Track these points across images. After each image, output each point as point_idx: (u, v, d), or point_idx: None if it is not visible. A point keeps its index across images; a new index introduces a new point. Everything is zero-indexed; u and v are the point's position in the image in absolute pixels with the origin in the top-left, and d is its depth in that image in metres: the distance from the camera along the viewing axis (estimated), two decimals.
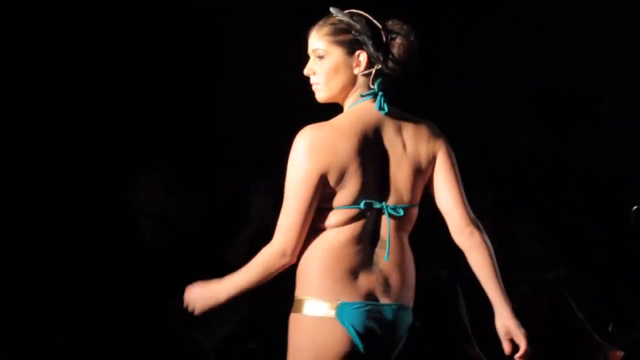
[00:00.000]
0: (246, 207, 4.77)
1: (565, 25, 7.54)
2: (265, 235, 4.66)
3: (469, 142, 8.23)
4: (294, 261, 2.13)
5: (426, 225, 5.83)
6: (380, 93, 2.09)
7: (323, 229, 2.09)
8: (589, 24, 8.41)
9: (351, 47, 2.10)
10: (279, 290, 4.63)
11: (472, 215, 2.17)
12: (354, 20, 2.09)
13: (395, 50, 2.09)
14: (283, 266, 2.14)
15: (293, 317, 2.15)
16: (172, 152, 5.17)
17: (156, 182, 4.45)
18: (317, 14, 2.23)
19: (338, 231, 2.09)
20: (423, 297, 4.87)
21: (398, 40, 2.10)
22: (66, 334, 4.01)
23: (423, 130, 2.15)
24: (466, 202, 2.16)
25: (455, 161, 2.18)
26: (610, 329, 5.35)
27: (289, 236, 2.08)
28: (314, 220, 2.08)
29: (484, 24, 7.06)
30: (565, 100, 9.55)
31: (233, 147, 5.38)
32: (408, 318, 2.17)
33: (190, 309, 2.30)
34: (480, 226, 2.16)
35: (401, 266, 2.12)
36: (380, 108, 2.08)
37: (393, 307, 2.11)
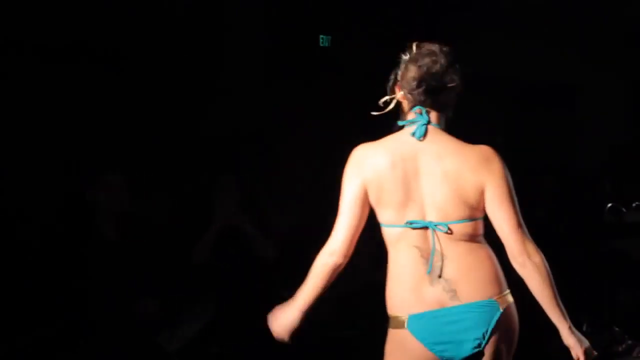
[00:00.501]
0: (211, 206, 4.71)
1: (540, 21, 7.54)
2: (231, 234, 4.67)
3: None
4: (343, 261, 2.38)
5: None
6: (417, 120, 2.34)
7: (390, 247, 2.39)
8: (564, 20, 8.42)
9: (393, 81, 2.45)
10: (245, 294, 4.63)
11: (526, 242, 2.36)
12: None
13: (408, 77, 2.36)
14: (335, 265, 2.39)
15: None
16: (135, 150, 5.09)
17: (120, 181, 4.40)
18: None
19: (398, 249, 2.35)
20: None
21: (409, 66, 2.37)
22: (34, 335, 4.03)
23: (470, 157, 2.35)
24: (519, 230, 2.35)
25: (509, 187, 2.35)
26: (584, 328, 5.35)
27: (336, 237, 2.36)
28: (383, 238, 2.37)
29: (455, 19, 7.04)
30: (540, 96, 9.59)
31: (197, 145, 5.31)
32: (484, 313, 2.32)
33: (278, 339, 2.60)
34: (533, 252, 2.35)
35: (466, 270, 2.31)
36: (413, 134, 2.32)
37: (460, 308, 2.31)
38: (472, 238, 2.37)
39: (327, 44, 6.22)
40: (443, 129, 2.41)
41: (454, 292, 2.32)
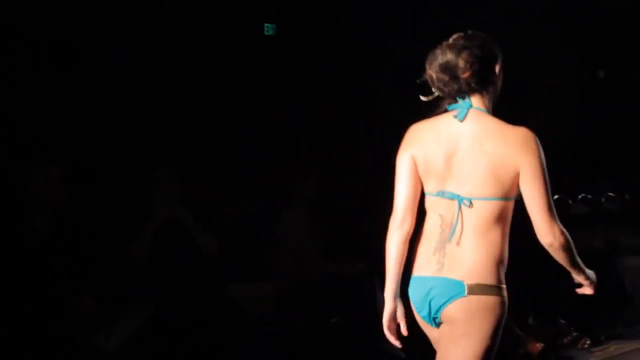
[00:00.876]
0: (150, 199, 4.59)
1: (483, 13, 7.54)
2: (172, 229, 4.56)
3: (391, 136, 8.18)
4: (405, 229, 2.57)
5: (345, 218, 5.75)
6: (458, 105, 2.58)
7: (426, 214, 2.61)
8: (508, 12, 8.45)
9: None
10: (186, 291, 4.53)
11: (554, 224, 2.55)
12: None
13: (434, 69, 2.59)
14: (406, 235, 2.57)
15: None
16: (73, 143, 4.94)
17: (55, 174, 4.29)
18: None
19: (429, 216, 2.57)
20: (340, 292, 4.83)
21: (430, 60, 2.61)
22: None
23: (509, 138, 2.53)
24: (549, 212, 2.53)
25: (543, 170, 2.51)
26: (530, 320, 5.37)
27: (397, 208, 2.57)
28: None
29: (401, 14, 6.98)
30: None
31: (136, 137, 5.18)
32: (446, 291, 2.49)
33: (391, 339, 2.63)
34: (559, 234, 2.55)
35: (470, 249, 2.49)
36: (456, 117, 2.57)
37: (432, 280, 2.52)
38: (496, 219, 2.53)
39: (272, 33, 6.13)
40: (486, 111, 2.60)
41: (441, 265, 2.50)
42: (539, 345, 4.87)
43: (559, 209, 6.88)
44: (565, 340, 5.29)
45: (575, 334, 5.29)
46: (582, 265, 2.75)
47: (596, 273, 3.57)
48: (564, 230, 2.58)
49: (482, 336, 2.53)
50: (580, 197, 7.84)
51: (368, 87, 7.09)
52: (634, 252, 3.85)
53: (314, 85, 6.43)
